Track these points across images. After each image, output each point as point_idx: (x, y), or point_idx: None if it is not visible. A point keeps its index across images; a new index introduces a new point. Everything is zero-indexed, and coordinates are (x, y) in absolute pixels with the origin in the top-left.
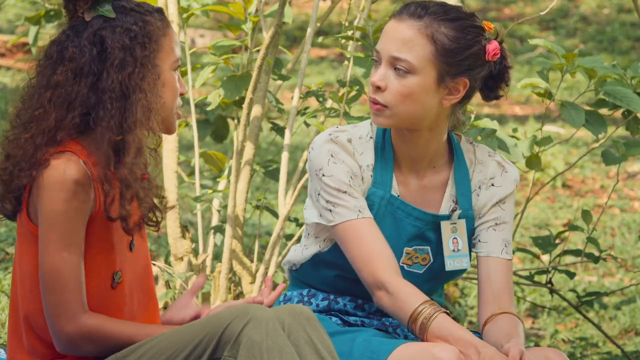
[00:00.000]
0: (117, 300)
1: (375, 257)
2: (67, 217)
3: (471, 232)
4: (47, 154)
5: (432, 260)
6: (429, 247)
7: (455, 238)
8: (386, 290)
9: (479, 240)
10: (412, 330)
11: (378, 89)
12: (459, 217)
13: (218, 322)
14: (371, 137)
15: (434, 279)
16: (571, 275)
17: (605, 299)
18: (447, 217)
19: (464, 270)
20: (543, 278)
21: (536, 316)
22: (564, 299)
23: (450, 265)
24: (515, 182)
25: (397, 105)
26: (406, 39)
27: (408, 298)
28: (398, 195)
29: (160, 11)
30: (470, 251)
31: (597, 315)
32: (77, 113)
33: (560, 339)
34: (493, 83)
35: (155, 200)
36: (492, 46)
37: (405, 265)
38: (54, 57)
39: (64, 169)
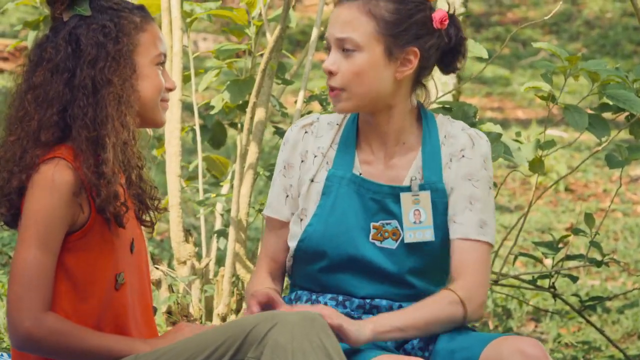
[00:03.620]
0: (121, 302)
1: (258, 257)
2: (48, 219)
3: (444, 206)
4: (36, 158)
5: (402, 234)
6: (395, 221)
7: (417, 210)
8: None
9: (454, 222)
10: None
11: (331, 74)
12: (422, 189)
13: (243, 325)
14: (337, 124)
15: (412, 256)
16: (574, 279)
17: (608, 303)
18: (407, 189)
19: (433, 244)
20: (546, 282)
21: (539, 320)
22: (566, 303)
23: (410, 237)
24: (482, 156)
25: (351, 85)
26: (347, 20)
27: (251, 292)
28: (360, 174)
29: (141, 8)
30: (435, 224)
31: (600, 319)
32: (55, 110)
33: (564, 342)
34: (451, 56)
35: (148, 202)
36: (439, 14)
37: (376, 242)
38: (35, 59)
39: (52, 174)
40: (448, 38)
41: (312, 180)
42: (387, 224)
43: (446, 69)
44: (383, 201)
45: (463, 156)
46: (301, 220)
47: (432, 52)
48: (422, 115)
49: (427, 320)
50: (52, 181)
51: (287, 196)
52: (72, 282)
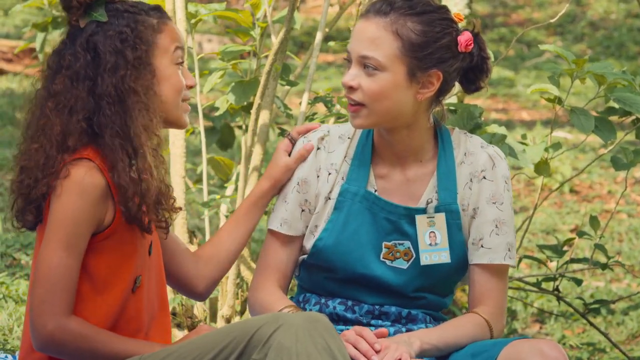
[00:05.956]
0: (137, 305)
1: (263, 269)
2: (76, 220)
3: (458, 227)
4: (63, 162)
5: (414, 255)
6: (409, 242)
7: (432, 232)
8: (253, 301)
9: (482, 246)
10: None
11: (351, 88)
12: (437, 211)
13: (248, 326)
14: (349, 138)
15: (423, 276)
16: (578, 282)
17: (613, 305)
18: (423, 211)
19: (447, 265)
20: (550, 285)
21: (543, 322)
22: (570, 306)
23: (426, 259)
24: (504, 177)
25: (372, 103)
26: (373, 37)
27: (273, 305)
28: (375, 191)
29: (157, 8)
30: (450, 245)
31: (604, 321)
32: (82, 117)
33: (568, 344)
34: (473, 75)
35: (164, 201)
36: (464, 37)
37: (387, 261)
38: (54, 67)
39: (83, 176)
40: (470, 58)
41: (328, 198)
42: (399, 244)
43: (468, 88)
44: (398, 222)
45: (484, 177)
46: (313, 235)
47: (454, 75)
48: (438, 133)
49: (459, 342)
50: (83, 184)
51: (303, 210)
52: (92, 283)
